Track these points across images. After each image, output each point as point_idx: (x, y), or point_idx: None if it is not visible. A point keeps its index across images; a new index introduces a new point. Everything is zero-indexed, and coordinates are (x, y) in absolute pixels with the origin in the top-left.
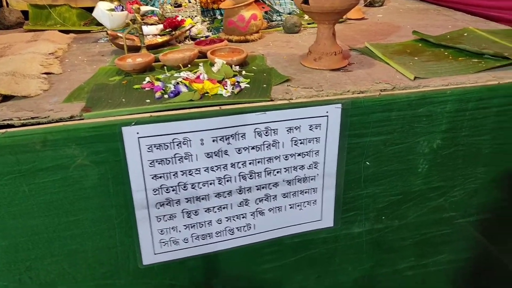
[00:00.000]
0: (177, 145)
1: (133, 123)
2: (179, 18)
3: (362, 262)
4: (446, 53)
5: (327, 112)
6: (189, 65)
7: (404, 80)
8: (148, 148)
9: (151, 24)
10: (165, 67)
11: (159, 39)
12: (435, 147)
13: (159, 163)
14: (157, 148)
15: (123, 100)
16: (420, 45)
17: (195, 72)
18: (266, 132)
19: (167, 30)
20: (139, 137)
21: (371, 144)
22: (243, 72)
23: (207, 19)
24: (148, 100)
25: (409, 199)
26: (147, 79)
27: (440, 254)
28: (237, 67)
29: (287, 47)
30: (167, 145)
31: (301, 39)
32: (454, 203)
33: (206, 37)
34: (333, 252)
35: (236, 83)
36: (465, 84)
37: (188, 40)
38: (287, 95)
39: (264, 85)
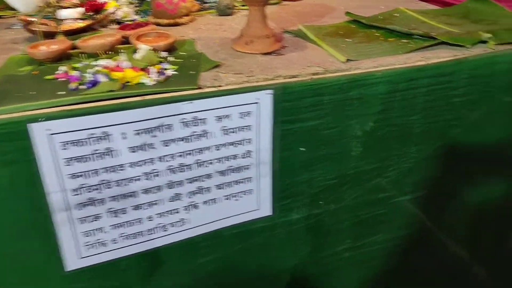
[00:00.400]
0: (96, 140)
1: (41, 119)
2: (101, 0)
3: (301, 248)
4: (377, 34)
5: (257, 98)
6: (111, 52)
7: (336, 63)
8: (63, 146)
9: (68, 7)
10: (83, 55)
11: (80, 24)
12: (368, 129)
13: (77, 161)
14: (73, 145)
15: (33, 93)
16: (353, 26)
17: (116, 60)
18: (194, 122)
19: (89, 13)
20: (51, 134)
21: (305, 129)
22: (170, 59)
23: (135, 1)
24: (62, 92)
25: (345, 182)
26: (62, 68)
27: (377, 234)
28: (165, 53)
29: (220, 30)
30: (84, 141)
31: (235, 21)
32: (389, 183)
33: (133, 21)
34: (272, 240)
35: (162, 71)
36: (395, 66)
37: (114, 24)
38: (216, 81)
39: (192, 72)
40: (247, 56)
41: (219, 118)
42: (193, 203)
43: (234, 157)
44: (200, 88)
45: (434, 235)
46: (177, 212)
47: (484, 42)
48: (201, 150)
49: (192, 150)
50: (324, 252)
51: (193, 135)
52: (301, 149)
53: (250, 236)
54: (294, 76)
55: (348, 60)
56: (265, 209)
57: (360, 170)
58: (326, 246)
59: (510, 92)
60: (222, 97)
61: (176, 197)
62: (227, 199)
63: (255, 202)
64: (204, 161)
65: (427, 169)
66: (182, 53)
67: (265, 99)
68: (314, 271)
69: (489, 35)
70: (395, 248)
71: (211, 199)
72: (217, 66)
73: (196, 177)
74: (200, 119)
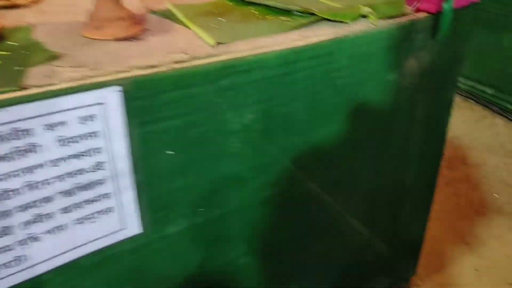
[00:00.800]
0: None
1: None
2: None
3: (187, 262)
4: (254, 12)
5: (102, 98)
6: None
7: (206, 47)
8: None
9: None
10: None
11: None
12: (247, 122)
13: None
14: None
15: None
16: (229, 3)
17: None
18: (15, 135)
19: None
20: None
21: (171, 129)
22: None
23: None
24: None
25: (227, 183)
26: None
27: (270, 234)
28: None
29: (71, 13)
30: None
31: (92, 2)
32: (277, 179)
33: None
34: (148, 261)
35: None
36: (271, 48)
37: None
38: (49, 79)
39: (19, 68)
40: (97, 44)
41: (51, 127)
42: (31, 235)
43: (81, 172)
44: (24, 88)
45: (334, 220)
46: (10, 250)
47: (365, 16)
48: (31, 168)
49: (18, 170)
50: (217, 262)
51: (15, 150)
52: (169, 152)
53: (117, 262)
54: (152, 66)
55: (218, 43)
56: (133, 227)
57: (243, 169)
58: (218, 255)
59: (392, 70)
60: (54, 99)
61: (5, 231)
62: (80, 223)
63: (120, 220)
64: (38, 182)
65: (314, 158)
66: (11, 43)
67: (113, 97)
68: (207, 284)
69: (369, 9)
70: (297, 243)
71: (57, 227)
72: (54, 58)
73: (29, 203)
74: (23, 130)
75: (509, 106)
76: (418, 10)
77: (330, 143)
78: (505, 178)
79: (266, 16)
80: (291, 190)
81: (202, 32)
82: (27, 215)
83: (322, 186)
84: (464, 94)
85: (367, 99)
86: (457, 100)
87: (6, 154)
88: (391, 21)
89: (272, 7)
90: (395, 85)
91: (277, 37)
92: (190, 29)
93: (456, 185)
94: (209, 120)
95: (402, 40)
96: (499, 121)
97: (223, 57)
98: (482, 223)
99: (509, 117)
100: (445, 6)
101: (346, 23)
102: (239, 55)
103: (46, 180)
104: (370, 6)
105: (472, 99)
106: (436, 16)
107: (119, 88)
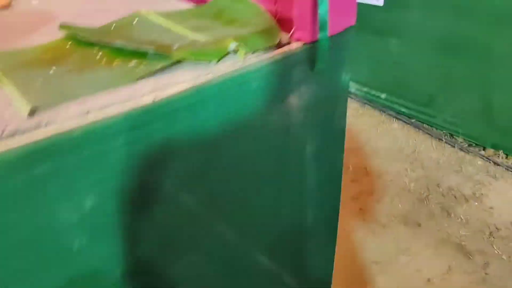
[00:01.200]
0: None
1: None
2: None
3: None
4: (99, 55)
5: None
6: None
7: (21, 116)
8: None
9: None
10: None
11: None
12: (88, 209)
13: None
14: None
15: None
16: (68, 45)
17: None
18: None
19: None
20: None
21: None
22: None
23: None
24: None
25: (76, 284)
26: None
27: None
28: None
29: None
30: None
31: None
32: (147, 258)
33: None
34: None
35: None
36: (112, 109)
37: None
38: None
39: None
40: None
41: None
42: None
43: None
44: None
45: (239, 271)
46: None
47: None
48: None
49: None
50: None
51: None
52: None
53: None
54: None
55: (35, 109)
56: None
57: (97, 262)
58: None
59: (271, 110)
60: None
61: None
62: None
63: None
64: None
65: (196, 220)
66: None
67: None
68: None
69: (237, 43)
70: None
71: None
72: None
73: None
74: None
75: (402, 109)
76: (293, 40)
77: (212, 204)
78: (406, 185)
79: (114, 61)
80: (174, 260)
81: (18, 92)
82: None
83: (215, 244)
84: (361, 101)
85: (246, 147)
86: (355, 106)
87: None
88: (264, 55)
89: (121, 48)
90: (278, 126)
91: (122, 91)
92: (3, 87)
93: (361, 198)
94: (28, 219)
95: (278, 76)
96: (396, 125)
97: (39, 134)
98: (389, 238)
99: (405, 120)
100: (320, 35)
101: (211, 62)
102: (62, 128)
103: None
104: (239, 37)
105: (369, 105)
106: (313, 45)
107: None
